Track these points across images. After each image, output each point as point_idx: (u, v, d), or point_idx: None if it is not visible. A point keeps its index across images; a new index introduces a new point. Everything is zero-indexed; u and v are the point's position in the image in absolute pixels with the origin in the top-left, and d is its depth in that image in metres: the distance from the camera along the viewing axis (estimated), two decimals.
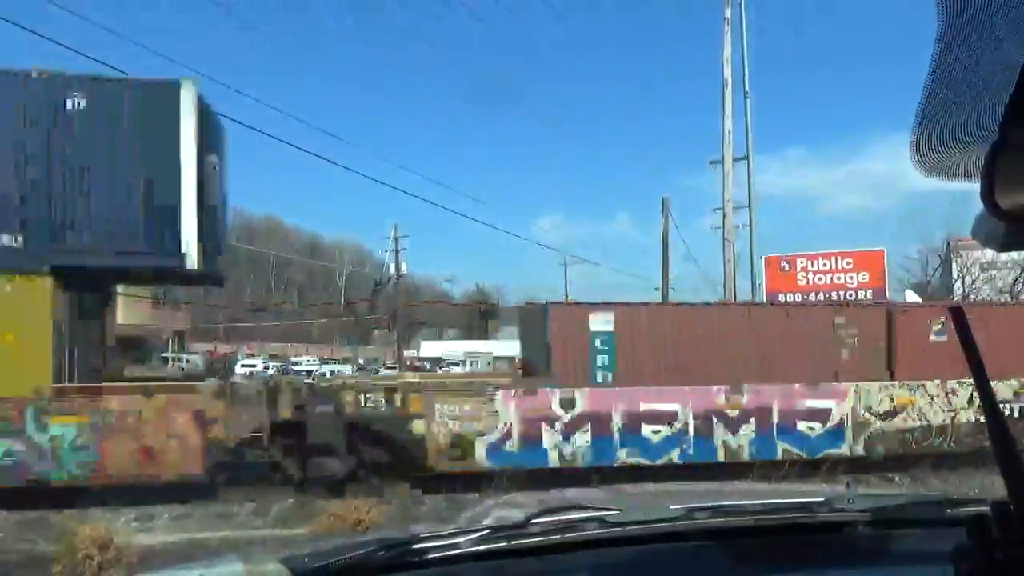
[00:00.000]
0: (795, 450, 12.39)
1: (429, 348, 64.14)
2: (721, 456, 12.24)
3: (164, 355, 45.24)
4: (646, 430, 12.00)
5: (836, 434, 12.60)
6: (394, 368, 39.61)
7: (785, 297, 24.28)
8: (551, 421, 11.78)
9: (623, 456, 11.92)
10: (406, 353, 53.48)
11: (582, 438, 11.84)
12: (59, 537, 8.62)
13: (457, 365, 45.92)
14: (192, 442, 10.65)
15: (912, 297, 21.24)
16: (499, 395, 11.73)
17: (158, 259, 11.11)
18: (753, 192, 22.13)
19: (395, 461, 11.41)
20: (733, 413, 12.26)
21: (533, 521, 1.55)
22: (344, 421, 11.25)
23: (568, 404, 11.84)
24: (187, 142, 10.98)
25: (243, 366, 41.16)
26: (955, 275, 32.84)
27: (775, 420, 12.38)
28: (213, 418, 10.77)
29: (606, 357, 12.18)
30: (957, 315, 1.17)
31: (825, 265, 24.05)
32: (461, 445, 11.48)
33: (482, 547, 1.45)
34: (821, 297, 23.81)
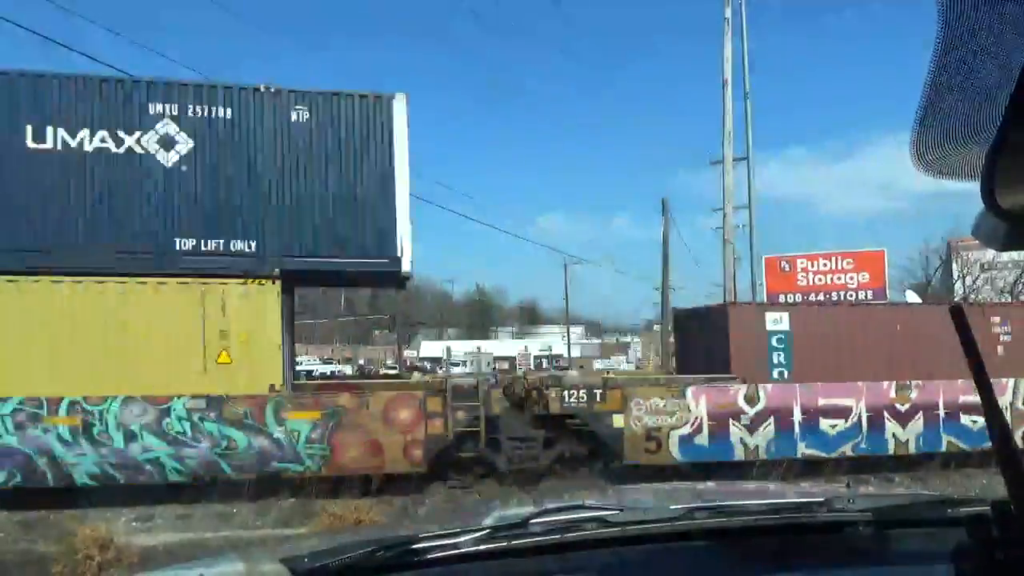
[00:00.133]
0: (959, 443, 13.08)
1: (429, 348, 64.17)
2: (891, 449, 13.02)
3: None
4: (824, 424, 12.75)
5: None
6: (394, 368, 39.59)
7: (785, 297, 24.30)
8: (736, 416, 12.50)
9: (803, 448, 12.65)
10: (406, 353, 53.48)
11: (765, 432, 12.57)
12: (60, 537, 8.64)
13: (457, 365, 45.94)
14: (413, 436, 11.25)
15: (913, 298, 21.22)
16: (690, 391, 12.39)
17: (377, 263, 11.67)
18: (753, 192, 22.13)
19: (593, 454, 12.17)
20: (902, 408, 13.03)
21: (533, 521, 1.55)
22: (549, 415, 12.02)
23: (752, 399, 12.59)
24: (400, 151, 11.65)
25: None
26: (955, 275, 32.84)
27: (940, 414, 13.14)
28: (432, 413, 11.37)
29: (782, 354, 12.96)
30: (957, 315, 1.17)
31: (825, 265, 24.04)
32: (655, 438, 12.15)
33: (482, 547, 1.45)
34: (821, 297, 23.81)
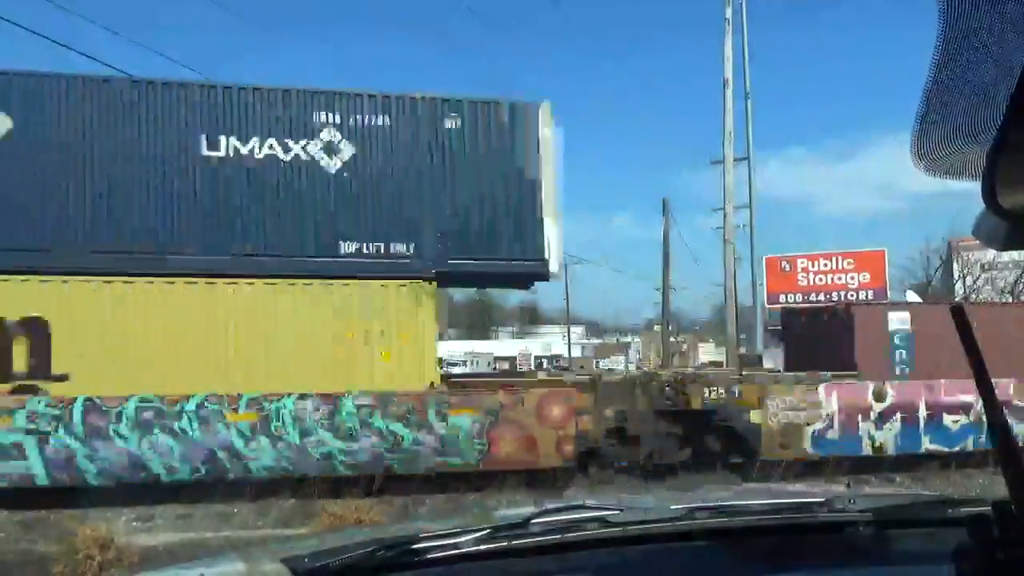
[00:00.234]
0: None
1: None
2: None
3: None
4: (947, 420, 13.08)
5: None
6: None
7: (786, 297, 24.28)
8: (866, 412, 12.86)
9: (926, 443, 13.03)
10: None
11: (891, 427, 12.93)
12: (60, 537, 8.64)
13: (456, 365, 45.91)
14: (565, 431, 11.60)
15: (913, 298, 21.23)
16: (822, 388, 12.75)
17: (525, 264, 12.20)
18: (754, 192, 22.15)
19: (731, 449, 12.47)
20: (1022, 403, 13.19)
21: (533, 521, 1.55)
22: (686, 411, 12.36)
23: (880, 396, 12.95)
24: (545, 156, 12.14)
25: None
26: (956, 275, 32.82)
27: None
28: (582, 409, 11.76)
29: (903, 352, 13.44)
30: (958, 314, 1.17)
31: (826, 265, 24.06)
32: (791, 433, 12.49)
33: (482, 547, 1.45)
34: (822, 297, 23.80)
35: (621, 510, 1.65)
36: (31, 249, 10.37)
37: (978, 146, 0.72)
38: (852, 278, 23.65)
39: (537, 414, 11.48)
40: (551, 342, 64.11)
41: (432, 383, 11.46)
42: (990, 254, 29.60)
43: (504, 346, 64.76)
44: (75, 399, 10.23)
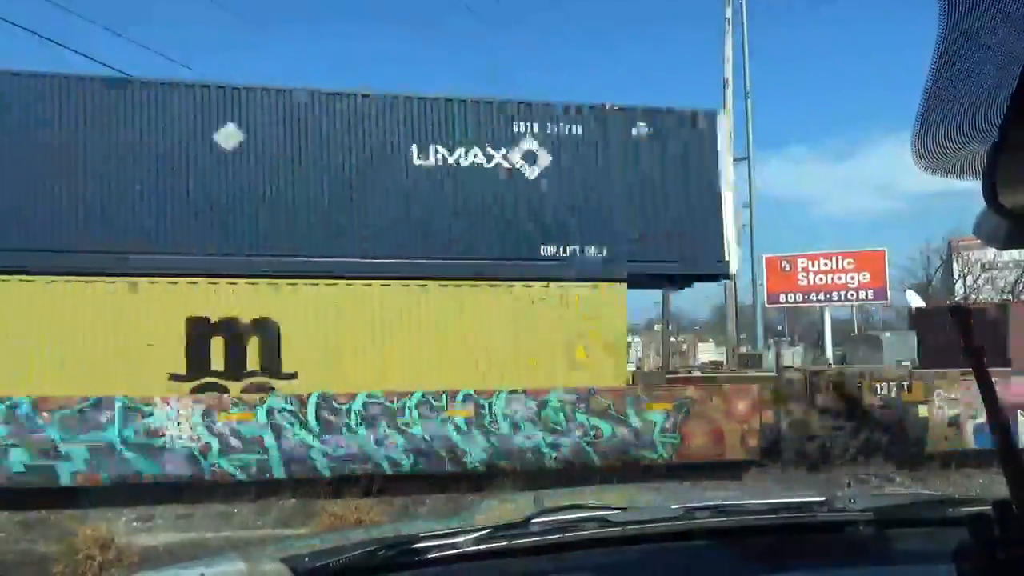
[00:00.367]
0: None
1: None
2: None
3: None
4: None
5: None
6: None
7: (786, 297, 24.28)
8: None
9: None
10: None
11: None
12: (60, 537, 8.64)
13: None
14: (750, 425, 12.10)
15: (914, 298, 21.24)
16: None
17: (709, 265, 12.80)
18: (754, 192, 22.16)
19: (897, 444, 12.73)
20: None
21: (534, 521, 1.54)
22: (862, 406, 12.68)
23: None
24: (725, 162, 12.74)
25: None
26: (956, 275, 32.84)
27: None
28: (765, 405, 12.31)
29: None
30: (958, 314, 1.17)
31: (826, 265, 24.03)
32: (954, 427, 12.78)
33: (482, 547, 1.45)
34: (822, 297, 23.81)
35: (621, 509, 1.65)
36: (265, 254, 11.11)
37: (979, 145, 0.72)
38: (852, 278, 23.62)
39: (724, 409, 12.02)
40: None
41: (628, 379, 12.38)
42: (990, 254, 29.61)
43: None
44: (309, 395, 10.83)
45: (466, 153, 11.79)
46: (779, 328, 38.86)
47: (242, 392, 10.85)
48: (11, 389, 10.10)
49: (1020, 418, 12.78)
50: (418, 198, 11.62)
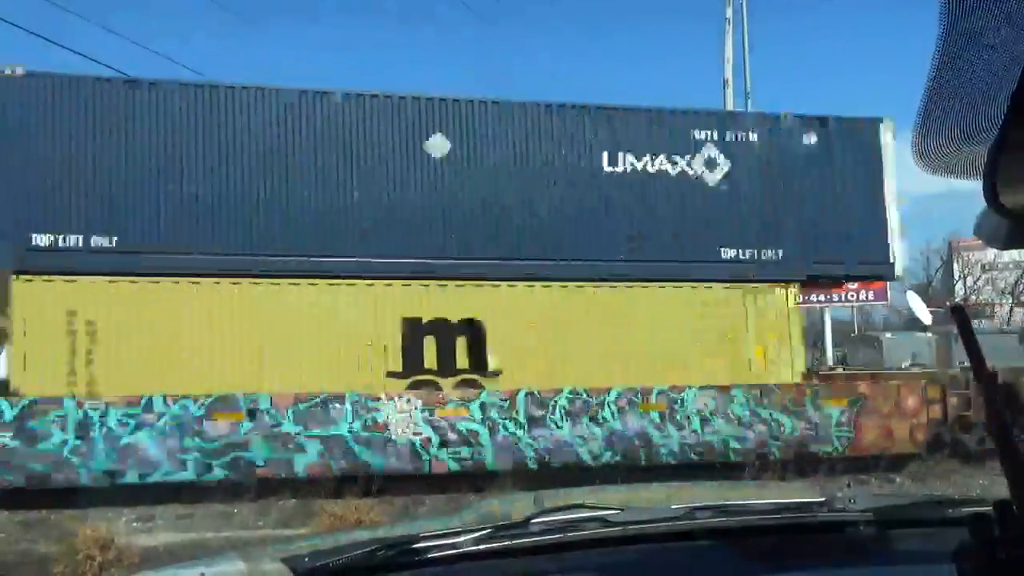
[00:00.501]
0: None
1: None
2: None
3: None
4: None
5: None
6: None
7: None
8: None
9: None
10: None
11: None
12: (60, 537, 8.64)
13: None
14: (917, 420, 12.55)
15: (913, 298, 21.23)
16: None
17: (875, 267, 13.63)
18: None
19: None
20: None
21: (534, 521, 1.54)
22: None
23: None
24: (889, 166, 13.26)
25: None
26: (956, 276, 32.85)
27: None
28: (932, 399, 12.68)
29: None
30: (958, 314, 1.17)
31: None
32: None
33: (482, 546, 1.45)
34: (822, 298, 23.76)
35: (621, 509, 1.65)
36: (471, 258, 11.76)
37: (980, 145, 0.72)
38: None
39: (894, 404, 12.47)
40: None
41: (803, 375, 12.94)
42: (990, 255, 29.62)
43: None
44: (518, 391, 11.41)
45: (652, 160, 12.41)
46: None
47: (453, 389, 11.59)
48: (250, 386, 10.82)
49: None
50: (609, 204, 12.26)
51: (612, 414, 11.62)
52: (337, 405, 10.84)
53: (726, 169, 12.62)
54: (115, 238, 10.64)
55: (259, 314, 11.13)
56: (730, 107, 19.07)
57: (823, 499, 1.68)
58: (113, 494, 10.29)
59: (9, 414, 10.00)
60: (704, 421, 11.86)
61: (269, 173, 11.23)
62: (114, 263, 10.64)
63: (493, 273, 11.80)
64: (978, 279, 31.88)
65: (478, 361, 11.79)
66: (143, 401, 10.32)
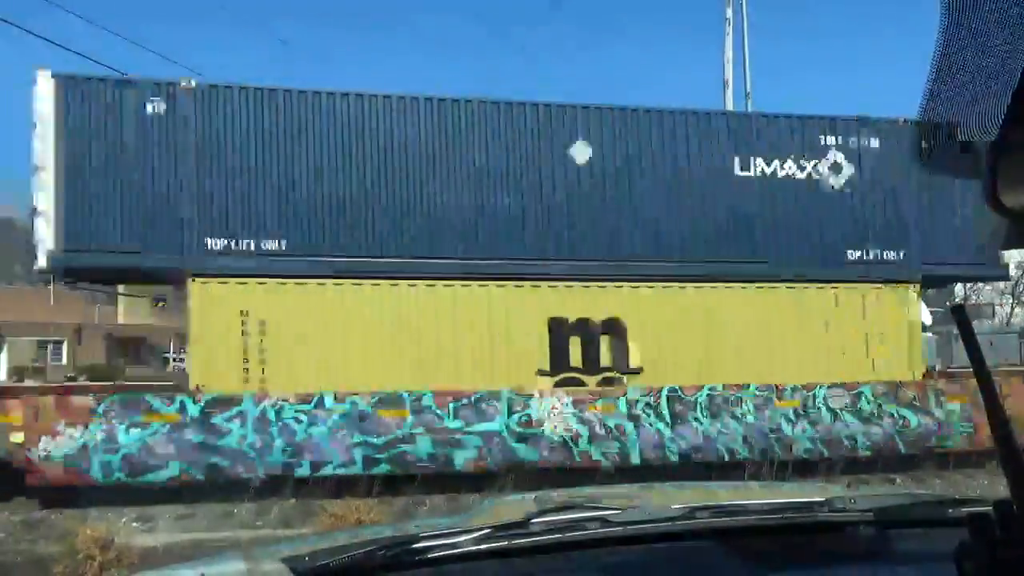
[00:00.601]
0: None
1: None
2: None
3: (165, 355, 45.28)
4: None
5: None
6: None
7: None
8: None
9: None
10: None
11: None
12: (61, 538, 8.64)
13: None
14: None
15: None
16: None
17: (991, 268, 14.07)
18: None
19: None
20: None
21: (533, 521, 1.54)
22: None
23: None
24: None
25: None
26: None
27: None
28: None
29: None
30: (958, 314, 1.17)
31: None
32: None
33: (483, 546, 1.45)
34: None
35: (622, 509, 1.65)
36: (613, 259, 12.29)
37: (979, 145, 0.72)
38: None
39: (1011, 400, 12.54)
40: None
41: (924, 373, 13.36)
42: None
43: None
44: (661, 388, 11.99)
45: (781, 165, 12.91)
46: None
47: (596, 386, 12.13)
48: (411, 383, 11.39)
49: None
50: (740, 207, 12.76)
51: (749, 411, 12.24)
52: (494, 403, 11.45)
53: (850, 173, 13.12)
54: (284, 242, 11.30)
55: (413, 313, 11.68)
56: (730, 107, 19.07)
57: (823, 499, 1.68)
58: (115, 494, 10.33)
59: (193, 411, 10.62)
60: (835, 417, 12.43)
61: (424, 178, 11.82)
62: (283, 266, 11.29)
63: (633, 274, 12.32)
64: None
65: (620, 359, 12.32)
66: (315, 398, 10.96)
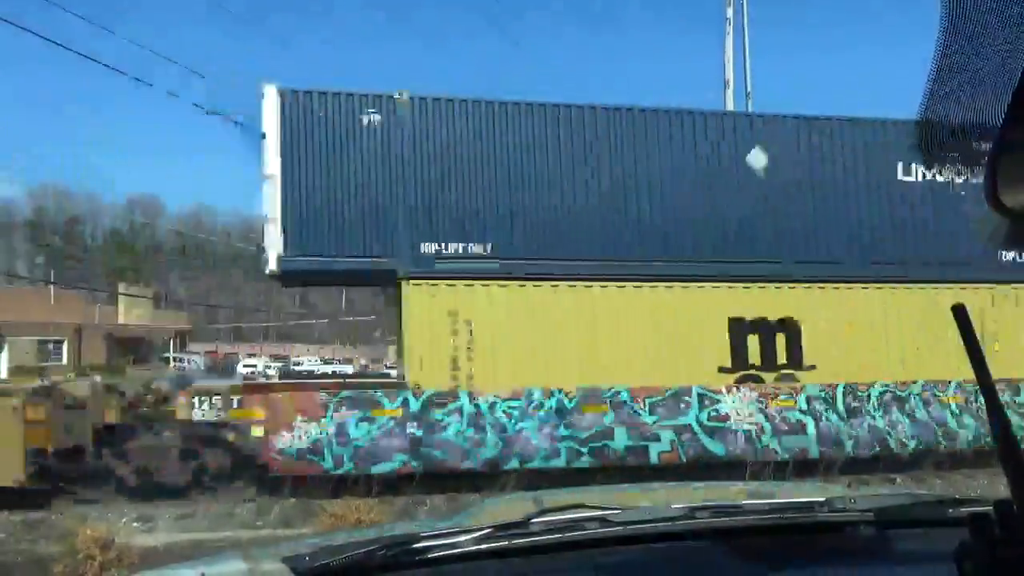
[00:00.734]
0: None
1: None
2: None
3: (164, 355, 45.26)
4: None
5: None
6: (395, 368, 39.51)
7: None
8: None
9: None
10: None
11: None
12: (61, 538, 8.64)
13: None
14: None
15: None
16: None
17: None
18: None
19: None
20: None
21: (533, 521, 1.54)
22: None
23: None
24: None
25: (244, 366, 41.15)
26: None
27: None
28: None
29: None
30: (959, 313, 1.17)
31: None
32: None
33: (483, 546, 1.45)
34: None
35: (621, 509, 1.65)
36: (830, 262, 12.90)
37: (980, 145, 0.72)
38: None
39: None
40: None
41: None
42: None
43: None
44: (837, 384, 12.63)
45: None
46: None
47: (774, 382, 12.72)
48: (602, 379, 11.99)
49: None
50: (904, 211, 13.21)
51: (917, 406, 12.83)
52: (686, 398, 12.17)
53: None
54: (489, 246, 12.01)
55: (604, 313, 12.27)
56: (730, 108, 19.08)
57: (823, 499, 1.67)
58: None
59: (415, 406, 11.40)
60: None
61: (614, 186, 12.47)
62: (488, 268, 11.99)
63: (807, 275, 12.82)
64: None
65: (795, 357, 12.86)
66: (524, 394, 11.70)
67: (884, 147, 13.15)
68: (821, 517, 1.60)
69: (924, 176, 13.12)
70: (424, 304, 11.76)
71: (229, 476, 11.57)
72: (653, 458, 11.91)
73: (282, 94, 11.53)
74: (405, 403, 11.41)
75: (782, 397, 12.53)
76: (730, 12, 19.30)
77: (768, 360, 12.83)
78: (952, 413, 12.91)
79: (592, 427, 11.83)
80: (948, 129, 0.75)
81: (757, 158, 13.00)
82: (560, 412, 11.77)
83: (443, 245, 11.89)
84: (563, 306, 12.15)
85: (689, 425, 12.14)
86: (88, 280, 58.87)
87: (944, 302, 13.85)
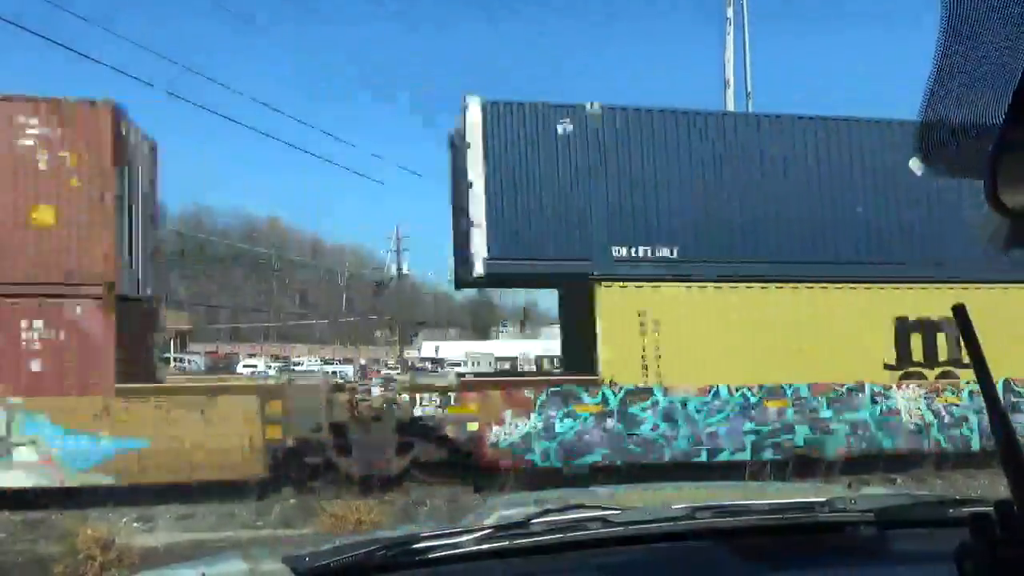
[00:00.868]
0: None
1: (429, 349, 64.07)
2: None
3: (165, 355, 45.35)
4: None
5: None
6: (395, 369, 39.56)
7: None
8: None
9: None
10: (408, 353, 53.51)
11: None
12: (61, 538, 8.64)
13: (458, 365, 45.94)
14: None
15: None
16: None
17: None
18: None
19: None
20: None
21: (534, 521, 1.54)
22: None
23: None
24: None
25: (245, 367, 41.17)
26: None
27: None
28: None
29: None
30: (959, 313, 1.17)
31: None
32: None
33: (483, 547, 1.45)
34: None
35: (622, 509, 1.65)
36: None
37: (980, 146, 0.72)
38: None
39: None
40: (552, 344, 63.90)
41: None
42: None
43: (504, 346, 64.80)
44: (998, 380, 12.19)
45: None
46: None
47: (935, 379, 13.23)
48: (779, 376, 12.65)
49: None
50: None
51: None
52: (859, 394, 12.84)
53: None
54: (676, 248, 12.57)
55: (779, 313, 12.78)
56: (731, 108, 19.09)
57: (823, 499, 1.67)
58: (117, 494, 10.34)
59: (613, 402, 12.02)
60: None
61: (786, 194, 13.02)
62: (674, 270, 12.54)
63: (968, 276, 12.88)
64: None
65: (957, 355, 13.19)
66: (712, 390, 12.38)
67: None
68: (822, 517, 1.60)
69: None
70: (616, 305, 12.35)
71: (447, 469, 12.03)
72: (830, 453, 12.47)
73: (484, 106, 12.21)
74: (604, 399, 12.03)
75: (948, 393, 13.13)
76: (730, 12, 19.32)
77: (930, 358, 13.30)
78: None
79: (774, 422, 12.48)
80: (948, 129, 0.75)
81: (916, 164, 13.04)
82: (745, 408, 12.43)
83: (634, 248, 12.51)
84: (742, 306, 12.66)
85: (864, 420, 12.80)
86: None
87: None
